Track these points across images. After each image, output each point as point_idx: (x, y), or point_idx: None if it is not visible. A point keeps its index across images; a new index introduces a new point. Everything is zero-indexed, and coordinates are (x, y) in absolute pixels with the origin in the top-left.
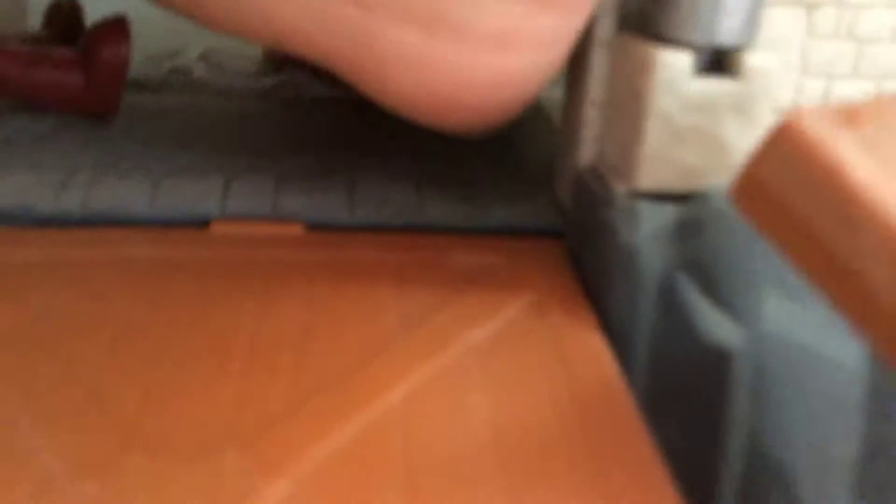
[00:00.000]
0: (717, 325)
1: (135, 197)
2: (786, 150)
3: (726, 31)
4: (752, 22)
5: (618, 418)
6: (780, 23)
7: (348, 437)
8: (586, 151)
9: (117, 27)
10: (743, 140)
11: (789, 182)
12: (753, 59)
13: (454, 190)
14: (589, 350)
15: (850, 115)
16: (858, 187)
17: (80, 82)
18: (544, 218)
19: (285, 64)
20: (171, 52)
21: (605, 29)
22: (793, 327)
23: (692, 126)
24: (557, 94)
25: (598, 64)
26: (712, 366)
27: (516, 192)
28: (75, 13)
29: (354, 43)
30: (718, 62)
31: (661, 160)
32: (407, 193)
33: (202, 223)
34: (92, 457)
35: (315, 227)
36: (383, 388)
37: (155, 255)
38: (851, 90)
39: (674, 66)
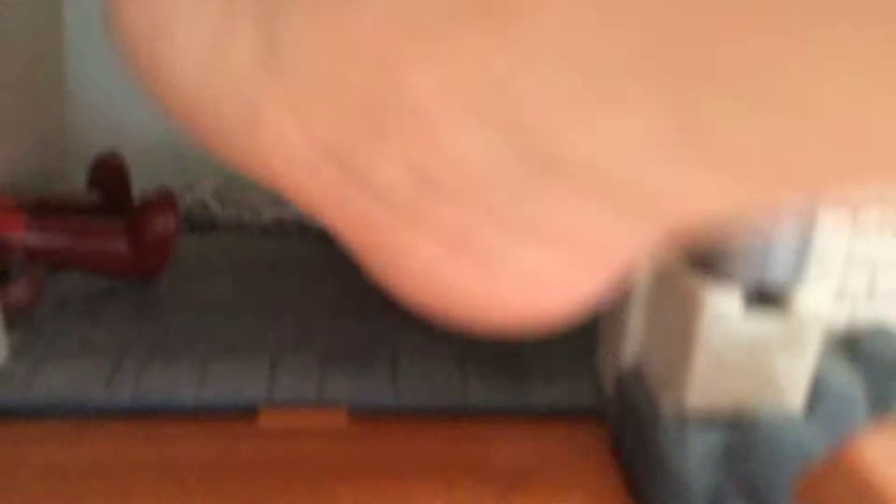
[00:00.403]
0: None
1: (183, 384)
2: (845, 468)
3: (776, 267)
4: (801, 257)
5: None
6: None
7: None
8: (630, 346)
9: (165, 201)
10: (791, 372)
11: (847, 496)
12: (803, 296)
13: (497, 367)
14: None
15: None
16: None
17: (128, 253)
18: (586, 398)
19: None
20: (186, 185)
21: None
22: None
23: (740, 359)
24: None
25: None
26: None
27: (557, 368)
28: (120, 171)
29: (369, 236)
30: (767, 294)
31: (709, 386)
32: (450, 373)
33: (249, 409)
34: None
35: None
36: None
37: (203, 454)
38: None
39: (723, 304)
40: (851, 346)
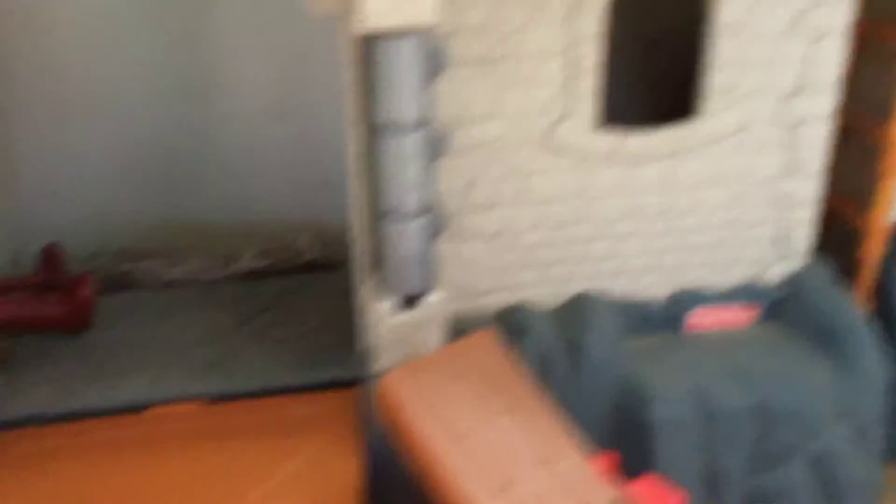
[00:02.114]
0: None
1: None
2: (380, 392)
3: (408, 287)
4: (425, 280)
5: None
6: None
7: None
8: (363, 338)
9: (83, 278)
10: (428, 339)
11: (386, 408)
12: (428, 299)
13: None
14: (345, 472)
15: (414, 367)
16: (404, 420)
17: (61, 315)
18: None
19: None
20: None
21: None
22: None
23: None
24: None
25: (359, 296)
26: None
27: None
28: (55, 257)
29: None
30: (410, 300)
31: (387, 354)
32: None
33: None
34: None
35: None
36: None
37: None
38: None
39: (382, 308)
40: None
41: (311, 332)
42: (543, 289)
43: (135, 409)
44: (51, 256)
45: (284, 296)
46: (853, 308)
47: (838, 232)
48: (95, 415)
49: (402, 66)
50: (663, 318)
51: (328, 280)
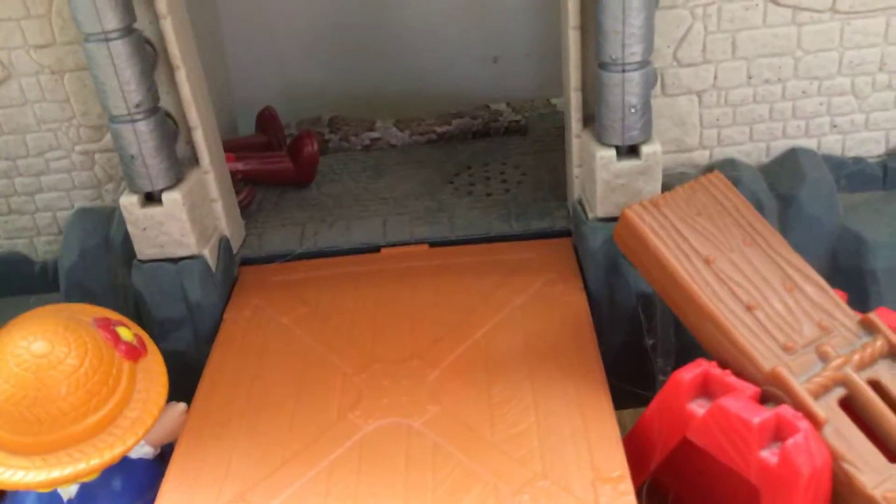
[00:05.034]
0: (641, 282)
1: (339, 237)
2: (623, 223)
3: (631, 136)
4: (645, 130)
5: (582, 334)
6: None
7: (462, 352)
8: (576, 190)
9: (309, 135)
10: (647, 189)
11: (628, 238)
12: (648, 148)
13: (505, 210)
14: (575, 302)
15: (654, 203)
16: (652, 246)
17: (292, 169)
18: (561, 223)
19: None
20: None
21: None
22: None
23: (619, 185)
24: None
25: (576, 148)
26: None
27: (547, 209)
28: (274, 119)
29: None
30: (632, 149)
31: (606, 202)
32: (479, 219)
33: (375, 249)
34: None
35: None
36: (476, 329)
37: (361, 270)
38: None
39: (607, 156)
40: None
41: (512, 188)
42: (754, 145)
43: (370, 249)
44: (267, 119)
45: (479, 157)
46: None
47: None
48: (336, 254)
49: None
50: (878, 176)
51: (518, 143)
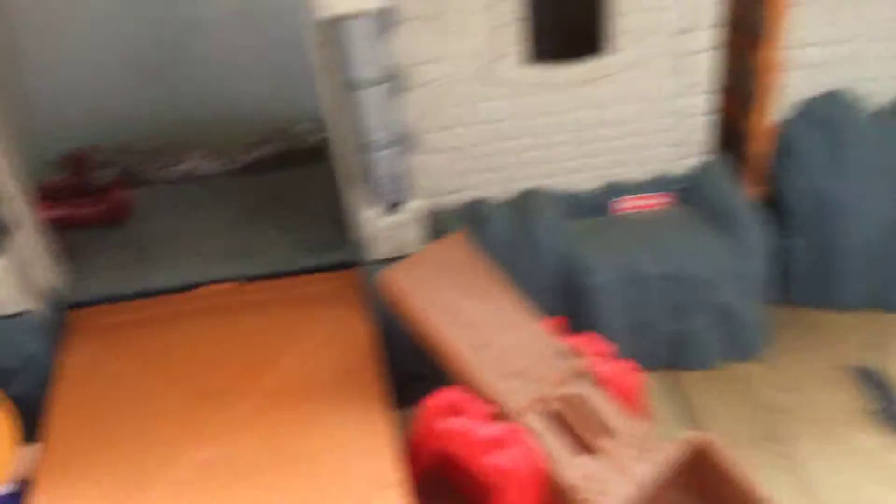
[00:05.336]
0: None
1: (159, 276)
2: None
3: (392, 199)
4: (404, 189)
5: (365, 362)
6: None
7: (268, 383)
8: (355, 231)
9: (120, 177)
10: (411, 236)
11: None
12: (411, 205)
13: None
14: (364, 333)
15: (409, 264)
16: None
17: (107, 210)
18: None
19: None
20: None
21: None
22: None
23: (388, 235)
24: None
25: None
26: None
27: (346, 240)
28: (83, 161)
29: None
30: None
31: (378, 249)
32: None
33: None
34: None
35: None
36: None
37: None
38: None
39: (374, 214)
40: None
41: (314, 221)
42: (497, 187)
43: (189, 287)
44: (77, 161)
45: (283, 186)
46: (742, 194)
47: (732, 133)
48: (158, 293)
49: (360, 36)
50: (595, 205)
51: (319, 170)
